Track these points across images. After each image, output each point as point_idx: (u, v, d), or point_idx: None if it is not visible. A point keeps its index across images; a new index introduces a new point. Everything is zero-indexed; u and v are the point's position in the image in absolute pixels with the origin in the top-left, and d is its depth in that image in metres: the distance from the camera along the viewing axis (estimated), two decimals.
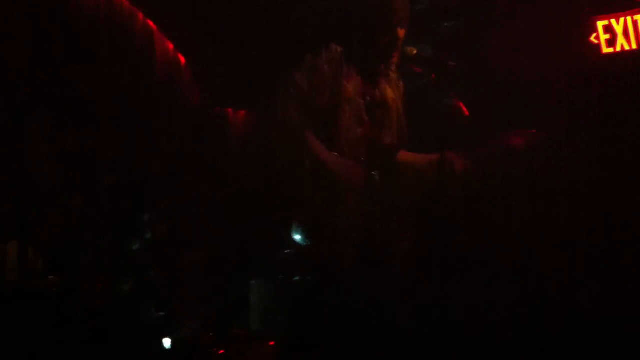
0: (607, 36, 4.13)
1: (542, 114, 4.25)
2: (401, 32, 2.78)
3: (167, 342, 4.33)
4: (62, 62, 4.84)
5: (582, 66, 4.18)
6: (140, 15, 5.38)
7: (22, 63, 4.62)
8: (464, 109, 3.03)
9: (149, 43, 5.41)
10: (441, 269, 3.76)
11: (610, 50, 4.12)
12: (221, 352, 3.95)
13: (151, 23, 5.44)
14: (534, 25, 4.26)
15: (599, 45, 4.14)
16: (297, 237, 3.36)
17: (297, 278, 3.99)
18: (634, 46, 4.06)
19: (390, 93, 2.76)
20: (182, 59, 5.66)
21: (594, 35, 4.16)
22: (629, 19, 4.06)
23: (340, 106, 2.62)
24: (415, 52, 2.88)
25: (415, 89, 4.94)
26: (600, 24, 4.15)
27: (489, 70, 4.38)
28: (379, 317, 2.62)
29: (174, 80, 5.57)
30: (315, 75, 2.63)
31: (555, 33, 4.23)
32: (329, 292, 2.67)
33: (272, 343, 4.00)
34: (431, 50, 4.45)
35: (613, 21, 4.11)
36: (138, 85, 5.26)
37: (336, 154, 2.65)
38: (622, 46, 4.09)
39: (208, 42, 5.31)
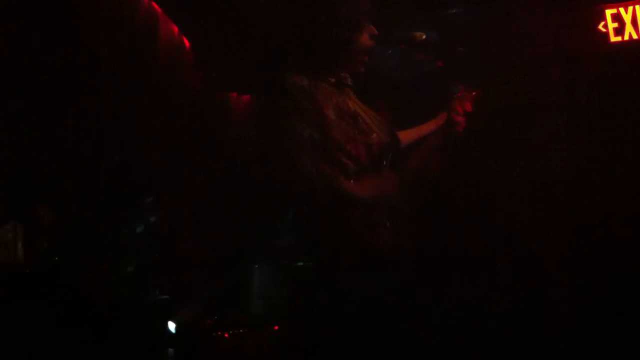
0: (615, 24, 4.09)
1: (547, 101, 4.23)
2: (358, 36, 2.64)
3: (171, 326, 4.34)
4: (62, 43, 4.80)
5: (589, 54, 4.15)
6: None
7: (22, 43, 4.59)
8: (468, 103, 2.91)
9: (154, 25, 5.38)
10: (442, 267, 3.77)
11: (618, 38, 4.10)
12: (227, 335, 3.97)
13: (156, 5, 5.41)
14: (542, 12, 4.23)
15: (607, 34, 4.12)
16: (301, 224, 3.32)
17: (300, 263, 3.99)
18: None
19: (351, 104, 2.66)
20: (187, 42, 5.63)
21: (602, 23, 4.13)
22: (637, 7, 4.03)
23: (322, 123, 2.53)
24: (424, 37, 2.83)
25: (419, 77, 4.93)
26: (609, 12, 4.11)
27: (496, 57, 4.36)
28: (383, 305, 2.60)
29: (178, 62, 5.55)
30: (282, 97, 2.53)
31: (563, 20, 4.21)
32: (333, 278, 2.64)
33: (276, 327, 4.02)
34: (438, 36, 4.43)
35: (621, 9, 4.08)
36: (141, 67, 5.24)
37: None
38: (630, 35, 4.07)
39: (213, 26, 5.27)
